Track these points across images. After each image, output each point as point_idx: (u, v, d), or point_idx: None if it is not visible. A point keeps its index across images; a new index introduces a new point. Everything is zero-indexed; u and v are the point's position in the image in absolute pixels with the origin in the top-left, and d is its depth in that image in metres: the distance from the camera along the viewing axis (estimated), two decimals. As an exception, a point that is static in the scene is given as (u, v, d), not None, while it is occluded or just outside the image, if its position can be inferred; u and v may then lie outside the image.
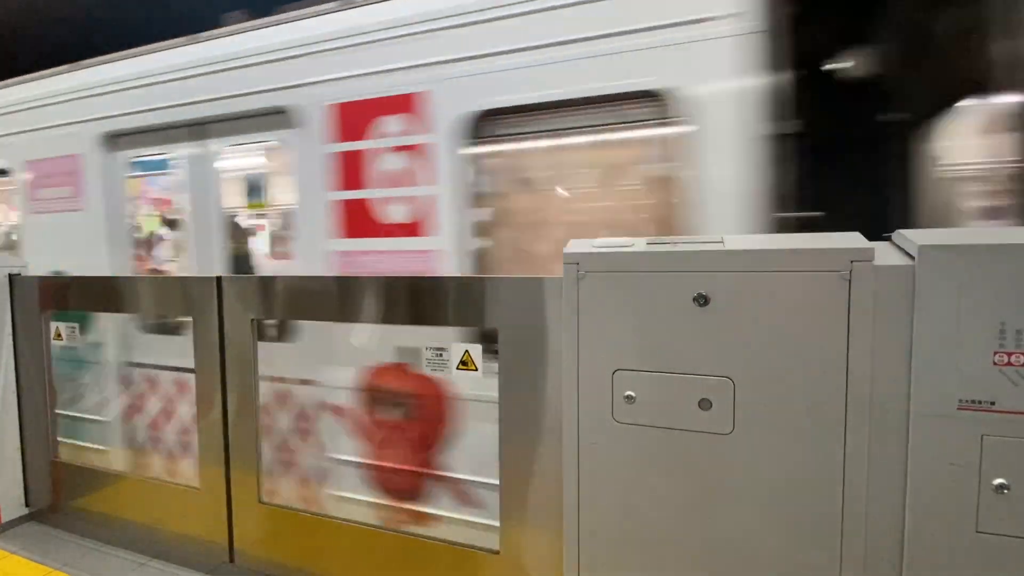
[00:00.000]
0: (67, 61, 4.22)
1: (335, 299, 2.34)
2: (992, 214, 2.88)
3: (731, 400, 1.54)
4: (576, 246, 1.72)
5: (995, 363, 1.32)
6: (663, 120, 2.50)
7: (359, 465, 2.98)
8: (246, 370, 2.45)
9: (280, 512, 2.46)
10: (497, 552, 2.02)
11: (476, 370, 2.10)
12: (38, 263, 4.04)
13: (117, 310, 2.83)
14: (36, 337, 3.01)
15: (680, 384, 1.59)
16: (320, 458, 3.09)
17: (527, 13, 2.67)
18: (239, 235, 4.16)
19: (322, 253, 3.17)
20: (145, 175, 4.11)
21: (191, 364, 2.59)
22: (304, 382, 3.17)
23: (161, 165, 3.92)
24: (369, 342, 2.88)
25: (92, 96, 3.97)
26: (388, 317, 2.22)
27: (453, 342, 2.18)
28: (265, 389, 2.99)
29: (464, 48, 2.80)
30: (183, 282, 2.70)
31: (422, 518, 2.80)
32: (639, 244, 1.68)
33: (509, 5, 2.71)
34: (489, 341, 2.05)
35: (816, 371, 1.46)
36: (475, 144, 2.86)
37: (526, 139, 2.86)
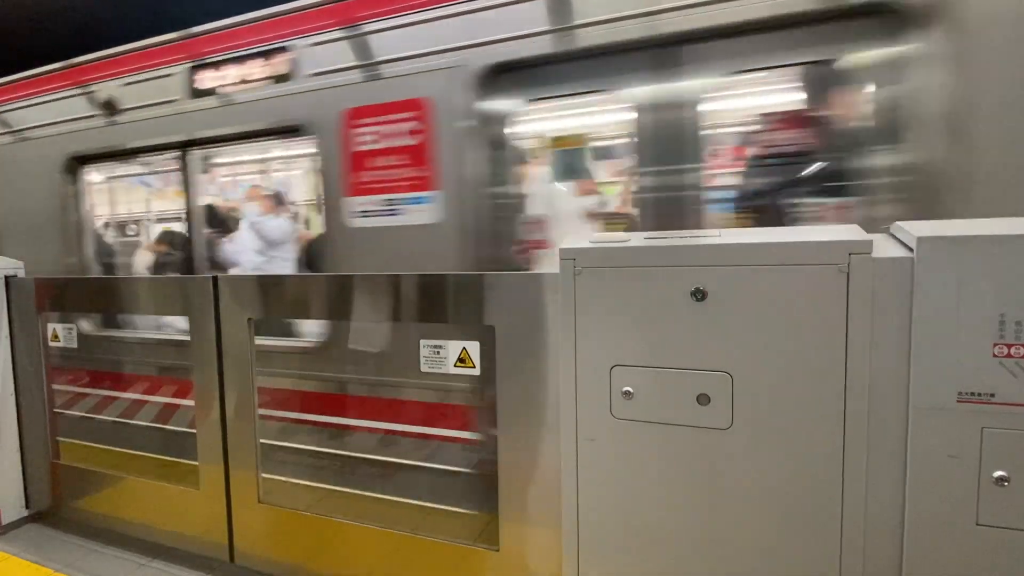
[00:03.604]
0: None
1: (332, 298, 2.33)
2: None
3: (729, 395, 1.53)
4: (573, 241, 1.71)
5: (995, 355, 1.31)
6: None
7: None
8: (244, 370, 2.45)
9: (280, 512, 2.45)
10: (497, 550, 2.02)
11: (474, 367, 2.09)
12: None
13: (114, 311, 2.81)
14: (34, 338, 3.00)
15: (678, 379, 1.58)
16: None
17: None
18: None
19: None
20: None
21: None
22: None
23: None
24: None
25: None
26: (386, 316, 2.20)
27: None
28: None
29: None
30: (180, 282, 2.69)
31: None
32: (636, 239, 1.67)
33: None
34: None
35: (815, 365, 1.45)
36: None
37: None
